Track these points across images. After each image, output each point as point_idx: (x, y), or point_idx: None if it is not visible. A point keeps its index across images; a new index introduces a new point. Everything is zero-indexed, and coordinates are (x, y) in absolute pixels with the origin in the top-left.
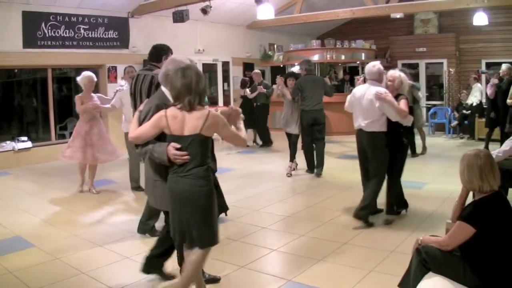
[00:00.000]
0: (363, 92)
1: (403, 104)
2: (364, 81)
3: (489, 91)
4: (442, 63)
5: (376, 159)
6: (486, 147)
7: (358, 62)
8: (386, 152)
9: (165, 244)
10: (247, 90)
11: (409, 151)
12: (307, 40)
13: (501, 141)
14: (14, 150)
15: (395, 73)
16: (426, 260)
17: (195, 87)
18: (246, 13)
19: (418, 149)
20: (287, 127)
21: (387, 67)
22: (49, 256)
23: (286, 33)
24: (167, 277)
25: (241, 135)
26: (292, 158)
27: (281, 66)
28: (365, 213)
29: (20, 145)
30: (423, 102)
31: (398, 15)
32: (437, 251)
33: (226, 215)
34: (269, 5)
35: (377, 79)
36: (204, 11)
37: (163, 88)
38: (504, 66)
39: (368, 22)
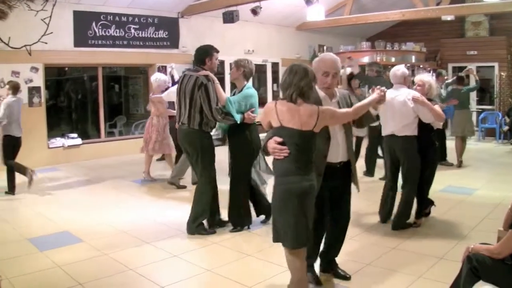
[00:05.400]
0: (393, 95)
1: (438, 108)
2: None
3: None
4: (493, 66)
5: (409, 164)
6: None
7: (408, 65)
8: (418, 157)
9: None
10: None
11: None
12: (356, 41)
13: None
14: (63, 147)
15: (424, 77)
16: (477, 268)
17: (298, 82)
18: (295, 14)
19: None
20: None
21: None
22: (96, 251)
23: (336, 34)
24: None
25: (347, 112)
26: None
27: None
28: (402, 223)
29: (70, 142)
30: (473, 106)
31: (449, 18)
32: (488, 260)
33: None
34: (319, 6)
35: (403, 82)
36: (254, 11)
37: None
38: None
39: (418, 24)
